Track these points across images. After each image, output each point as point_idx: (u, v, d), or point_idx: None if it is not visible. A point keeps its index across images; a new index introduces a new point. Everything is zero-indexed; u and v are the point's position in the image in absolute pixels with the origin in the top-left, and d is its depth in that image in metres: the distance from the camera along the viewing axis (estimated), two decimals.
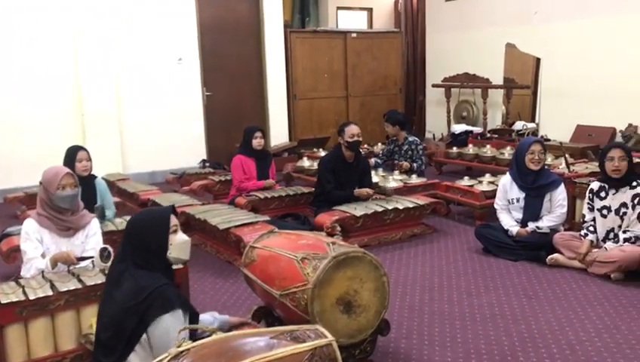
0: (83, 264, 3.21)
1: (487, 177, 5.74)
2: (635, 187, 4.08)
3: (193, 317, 2.34)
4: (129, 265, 2.32)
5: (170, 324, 2.18)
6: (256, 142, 5.54)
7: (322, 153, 7.41)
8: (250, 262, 3.02)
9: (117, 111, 7.58)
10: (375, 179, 5.86)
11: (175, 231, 2.44)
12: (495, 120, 9.05)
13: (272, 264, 2.88)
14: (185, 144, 8.05)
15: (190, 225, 5.00)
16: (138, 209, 5.42)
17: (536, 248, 4.39)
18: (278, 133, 8.95)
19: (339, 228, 4.62)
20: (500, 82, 8.84)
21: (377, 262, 2.82)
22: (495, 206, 4.75)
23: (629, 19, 7.28)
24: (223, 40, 8.49)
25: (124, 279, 2.30)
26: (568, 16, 7.94)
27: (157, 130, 7.88)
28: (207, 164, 7.88)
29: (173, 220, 2.44)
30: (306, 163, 7.02)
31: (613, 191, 4.14)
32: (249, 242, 3.21)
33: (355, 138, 5.18)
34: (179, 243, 2.44)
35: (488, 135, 8.51)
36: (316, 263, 2.69)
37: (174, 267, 2.59)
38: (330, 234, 4.37)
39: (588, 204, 4.28)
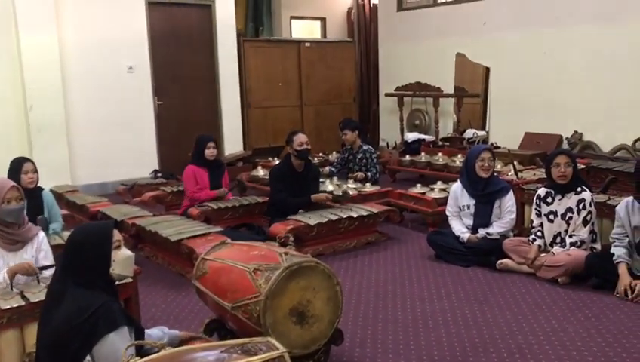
0: (47, 273, 3.11)
1: (439, 184, 5.83)
2: (580, 192, 4.20)
3: (139, 333, 2.28)
4: (69, 284, 2.23)
5: (117, 343, 2.11)
6: (209, 152, 5.48)
7: (277, 162, 7.39)
8: (202, 275, 2.98)
9: (65, 121, 7.38)
10: (330, 187, 5.88)
11: (118, 247, 2.36)
12: (447, 128, 9.21)
13: (223, 276, 2.84)
14: (136, 154, 7.91)
15: (141, 237, 4.91)
16: (87, 221, 5.29)
17: (486, 254, 4.47)
18: (232, 142, 8.90)
19: (292, 238, 4.60)
20: (451, 91, 9.00)
21: (330, 272, 2.82)
22: (446, 213, 4.83)
23: (573, 31, 7.53)
24: (175, 49, 8.38)
25: (64, 298, 2.21)
26: (516, 27, 8.17)
27: (107, 140, 7.72)
28: (159, 175, 7.74)
29: (116, 235, 2.36)
30: (260, 172, 7.00)
31: (560, 196, 4.26)
32: (201, 254, 3.17)
33: (304, 146, 5.17)
34: (122, 260, 2.36)
35: (440, 143, 8.64)
36: (269, 274, 2.68)
37: (122, 281, 2.52)
38: (283, 244, 4.36)
39: (535, 209, 4.39)
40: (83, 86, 7.53)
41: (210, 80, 8.75)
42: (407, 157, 7.84)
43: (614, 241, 3.91)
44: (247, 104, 9.29)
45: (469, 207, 4.67)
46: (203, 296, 3.02)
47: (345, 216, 4.97)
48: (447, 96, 8.97)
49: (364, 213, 5.09)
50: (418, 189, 5.80)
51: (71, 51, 7.42)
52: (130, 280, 2.92)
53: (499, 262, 4.37)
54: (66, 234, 4.40)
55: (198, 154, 5.50)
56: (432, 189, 5.73)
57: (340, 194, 5.46)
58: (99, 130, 7.66)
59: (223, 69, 8.76)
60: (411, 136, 8.99)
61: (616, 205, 4.01)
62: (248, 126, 9.32)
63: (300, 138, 5.17)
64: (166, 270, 4.62)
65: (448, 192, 5.05)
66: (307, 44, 9.98)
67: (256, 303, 2.62)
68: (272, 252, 2.90)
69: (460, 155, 7.20)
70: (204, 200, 5.40)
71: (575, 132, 7.63)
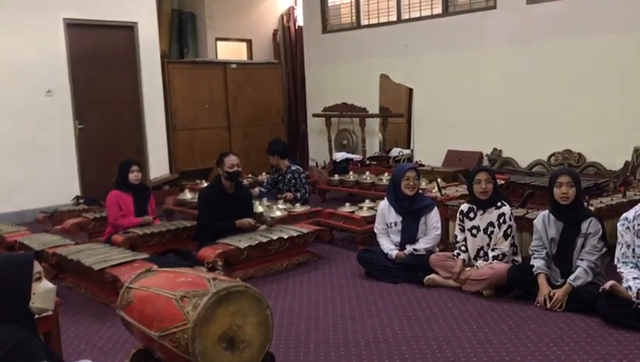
0: None
1: (367, 203, 5.92)
2: (500, 207, 4.38)
3: None
4: None
5: None
6: (133, 176, 5.35)
7: (205, 184, 7.28)
8: (127, 304, 2.88)
9: None
10: (259, 208, 5.85)
11: (38, 279, 2.26)
12: (373, 147, 9.38)
13: (149, 304, 2.76)
14: (56, 180, 7.60)
15: (63, 266, 4.71)
16: (4, 252, 5.04)
17: (414, 270, 4.56)
18: (158, 166, 8.72)
19: (220, 263, 4.54)
20: (377, 111, 9.19)
21: (260, 295, 2.79)
22: (375, 230, 4.90)
23: (489, 53, 7.90)
24: (96, 71, 8.14)
25: None
26: (436, 49, 8.46)
27: (24, 167, 7.40)
28: (82, 201, 7.48)
29: (36, 267, 2.26)
30: (187, 195, 6.87)
31: (481, 211, 4.42)
32: (126, 282, 3.07)
33: (235, 168, 5.15)
34: (43, 293, 2.25)
35: (367, 162, 8.80)
36: (196, 301, 2.62)
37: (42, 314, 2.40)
38: (212, 269, 4.29)
39: (459, 224, 4.53)
40: None
41: (134, 102, 8.55)
42: (336, 176, 7.92)
43: (533, 253, 4.08)
44: (173, 126, 9.15)
45: (396, 224, 4.76)
46: (129, 326, 2.92)
47: (275, 238, 4.95)
48: (373, 116, 9.16)
49: (295, 234, 5.09)
50: (347, 208, 5.86)
51: None
52: (50, 312, 2.79)
53: (426, 277, 4.47)
54: None
55: (122, 179, 5.36)
56: (361, 208, 5.81)
57: (266, 218, 5.37)
58: (15, 155, 7.34)
59: (148, 91, 8.59)
60: (339, 156, 9.11)
61: (534, 218, 4.20)
62: (175, 148, 9.17)
63: (231, 160, 5.15)
64: (90, 300, 4.44)
65: (376, 210, 5.13)
66: (233, 66, 9.97)
67: (184, 331, 2.56)
68: (200, 278, 2.85)
69: (386, 173, 7.35)
70: (128, 227, 5.24)
71: (495, 149, 7.95)
